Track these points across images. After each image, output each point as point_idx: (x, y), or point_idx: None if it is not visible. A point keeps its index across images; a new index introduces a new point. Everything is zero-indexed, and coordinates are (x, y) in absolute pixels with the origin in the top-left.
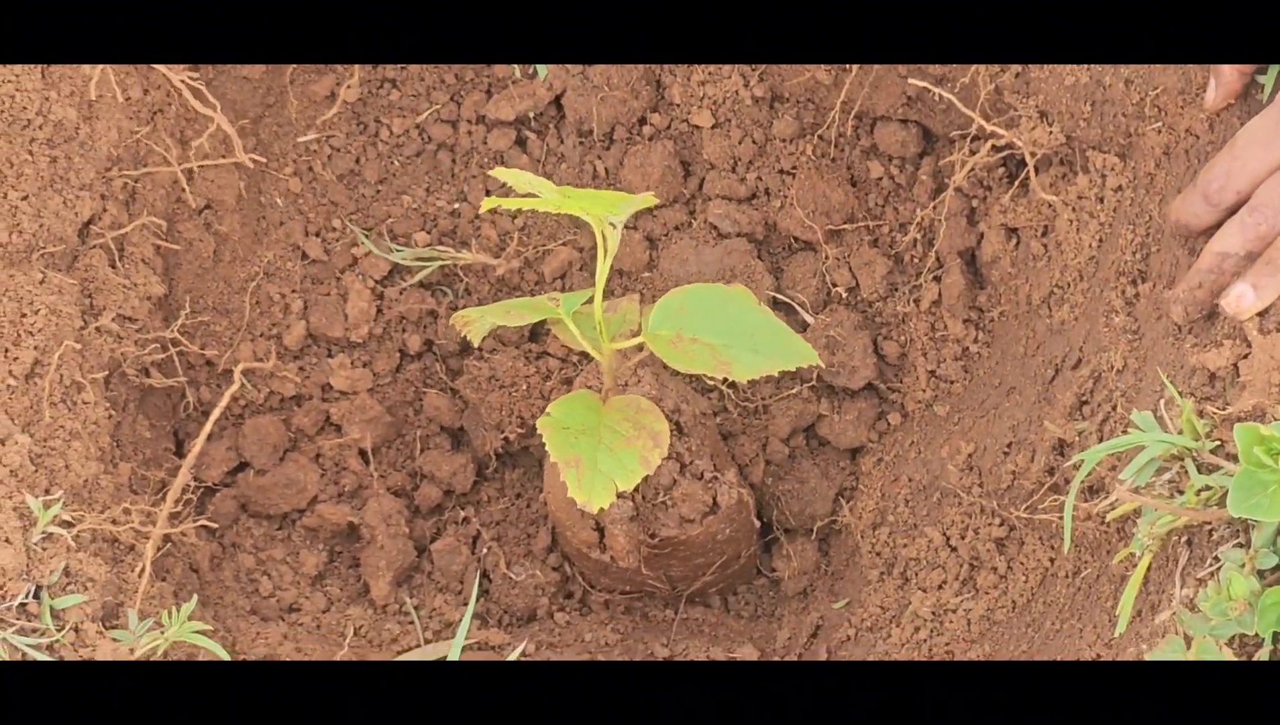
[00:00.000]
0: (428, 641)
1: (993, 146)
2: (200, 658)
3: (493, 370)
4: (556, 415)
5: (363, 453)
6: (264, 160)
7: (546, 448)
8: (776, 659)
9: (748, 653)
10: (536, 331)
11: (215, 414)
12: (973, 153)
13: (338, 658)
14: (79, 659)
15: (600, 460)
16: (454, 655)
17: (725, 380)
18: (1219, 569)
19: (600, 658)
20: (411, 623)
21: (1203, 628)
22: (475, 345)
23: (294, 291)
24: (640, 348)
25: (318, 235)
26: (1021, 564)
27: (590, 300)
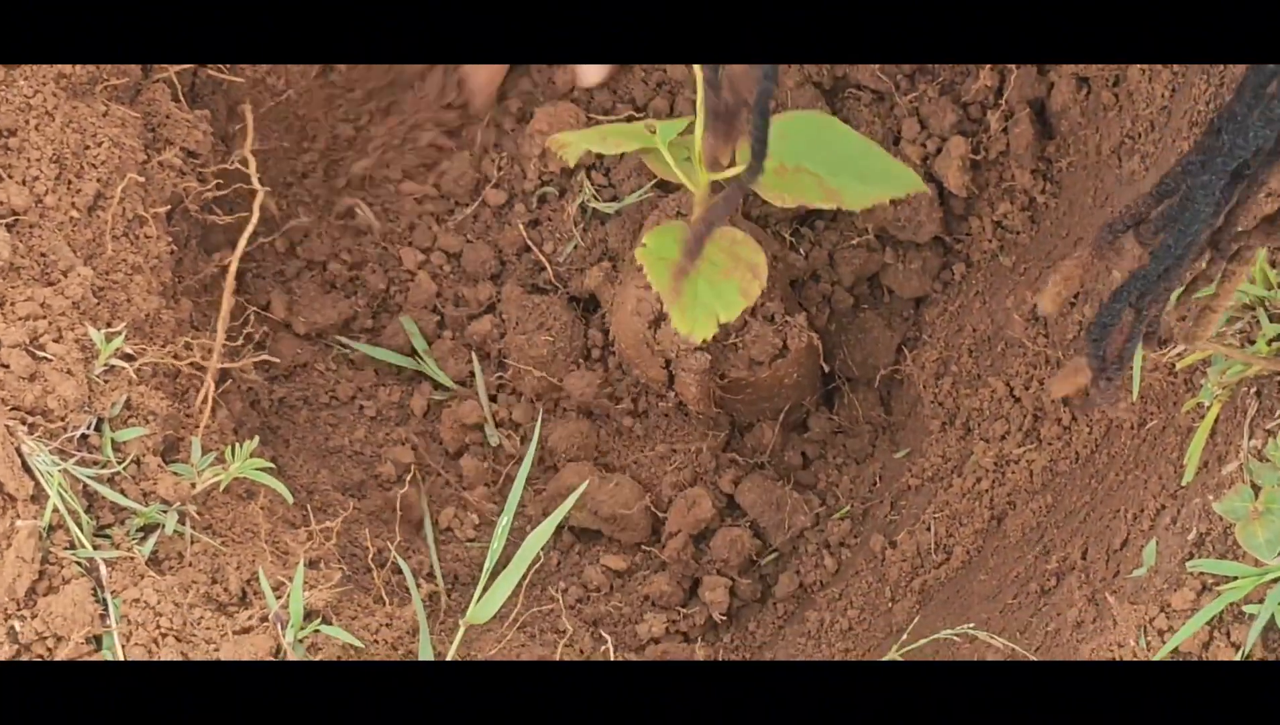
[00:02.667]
0: None
1: None
2: (261, 498)
3: None
4: (653, 246)
5: None
6: None
7: (647, 277)
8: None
9: (801, 502)
10: None
11: (245, 234)
12: None
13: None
14: (67, 660)
15: (700, 291)
16: None
17: (796, 220)
18: None
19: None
20: None
21: (1272, 477)
22: (570, 166)
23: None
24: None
25: None
26: (1086, 415)
27: (689, 129)
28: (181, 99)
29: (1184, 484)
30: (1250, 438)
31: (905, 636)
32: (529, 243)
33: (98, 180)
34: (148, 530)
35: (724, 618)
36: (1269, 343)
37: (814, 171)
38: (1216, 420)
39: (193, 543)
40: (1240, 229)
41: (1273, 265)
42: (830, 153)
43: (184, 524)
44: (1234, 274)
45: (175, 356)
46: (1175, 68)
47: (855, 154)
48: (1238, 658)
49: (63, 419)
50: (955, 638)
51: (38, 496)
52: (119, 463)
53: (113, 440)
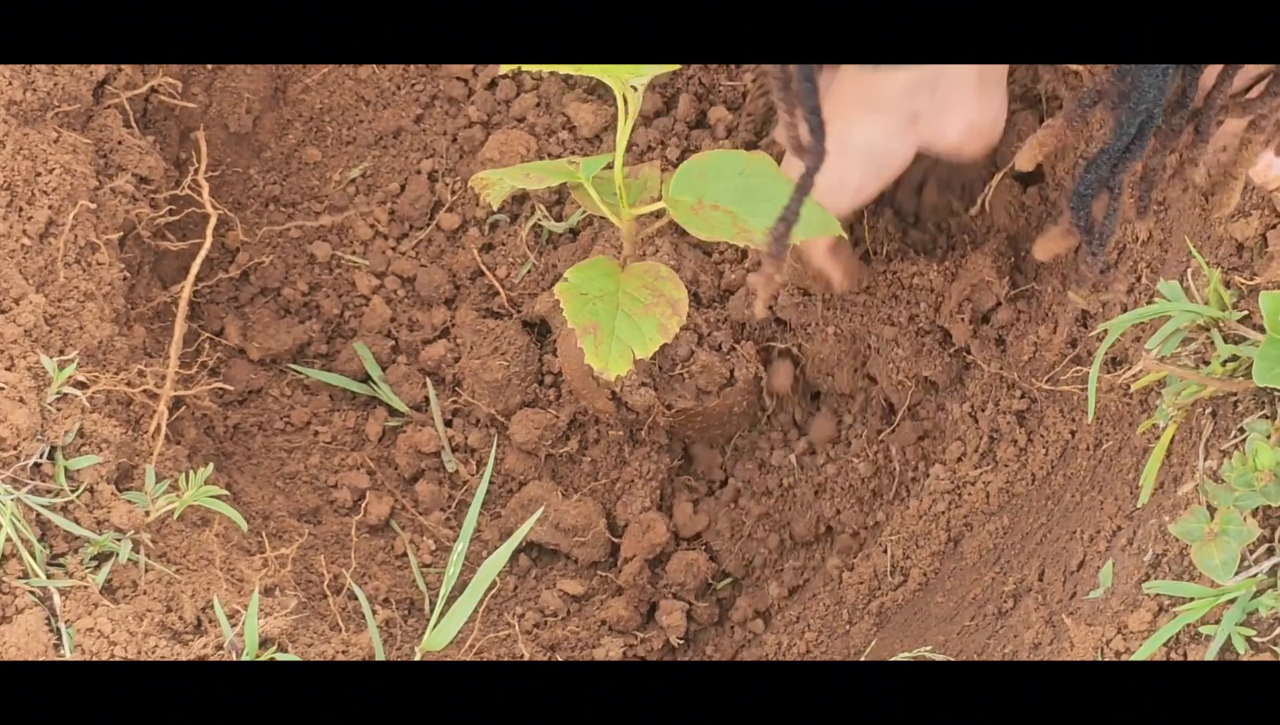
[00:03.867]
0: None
1: None
2: (216, 525)
3: None
4: (574, 281)
5: None
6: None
7: (564, 311)
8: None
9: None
10: None
11: (198, 259)
12: None
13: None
14: (82, 659)
15: (619, 327)
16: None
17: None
18: (1244, 440)
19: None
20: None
21: (1227, 498)
22: (494, 208)
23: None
24: (660, 214)
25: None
26: (1042, 437)
27: (611, 165)
28: (134, 125)
29: (1140, 505)
30: (1205, 459)
31: (863, 659)
32: (482, 267)
33: (49, 207)
34: (101, 559)
35: (681, 641)
36: (1223, 364)
37: (730, 209)
38: (1172, 441)
39: (147, 571)
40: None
41: (1227, 285)
42: (749, 192)
43: (138, 552)
44: (1250, 142)
45: (128, 384)
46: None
47: (775, 194)
48: None
49: (15, 448)
50: (912, 661)
51: None
52: (72, 491)
53: (66, 468)
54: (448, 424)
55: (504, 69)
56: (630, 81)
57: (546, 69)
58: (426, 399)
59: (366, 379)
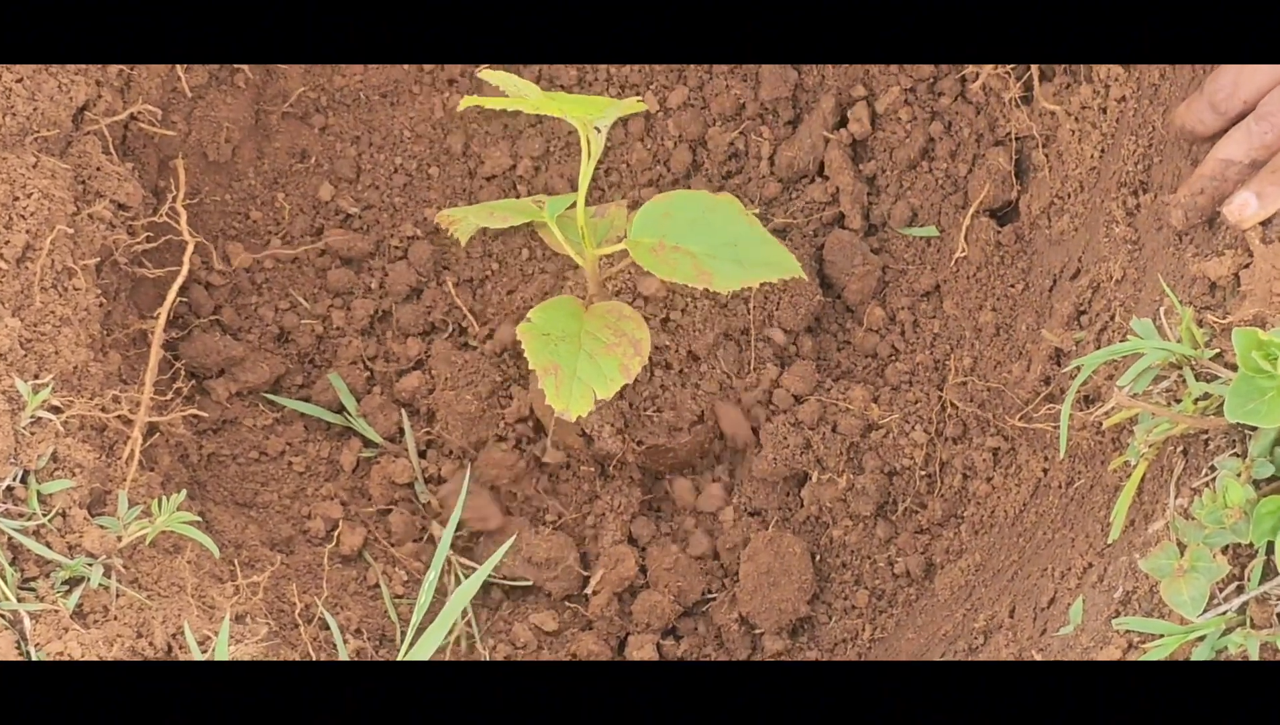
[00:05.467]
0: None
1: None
2: (188, 552)
3: None
4: (537, 321)
5: None
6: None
7: (525, 352)
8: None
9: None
10: None
11: (175, 286)
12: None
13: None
14: (59, 658)
15: (580, 367)
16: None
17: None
18: (1214, 478)
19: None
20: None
21: (1197, 535)
22: (463, 243)
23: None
24: (624, 254)
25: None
26: (1015, 474)
27: (574, 205)
28: (113, 151)
29: (1110, 542)
30: (1176, 496)
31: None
32: (456, 300)
33: (27, 231)
34: (73, 583)
35: None
36: (1195, 402)
37: (690, 251)
38: (1143, 479)
39: (118, 596)
40: None
41: (1199, 324)
42: (711, 234)
43: (109, 577)
44: None
45: (103, 409)
46: (1104, 129)
47: (736, 237)
48: None
49: None
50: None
51: None
52: (44, 515)
53: (38, 492)
54: (421, 455)
55: (462, 105)
56: (594, 122)
57: (508, 105)
58: (401, 430)
59: (341, 410)
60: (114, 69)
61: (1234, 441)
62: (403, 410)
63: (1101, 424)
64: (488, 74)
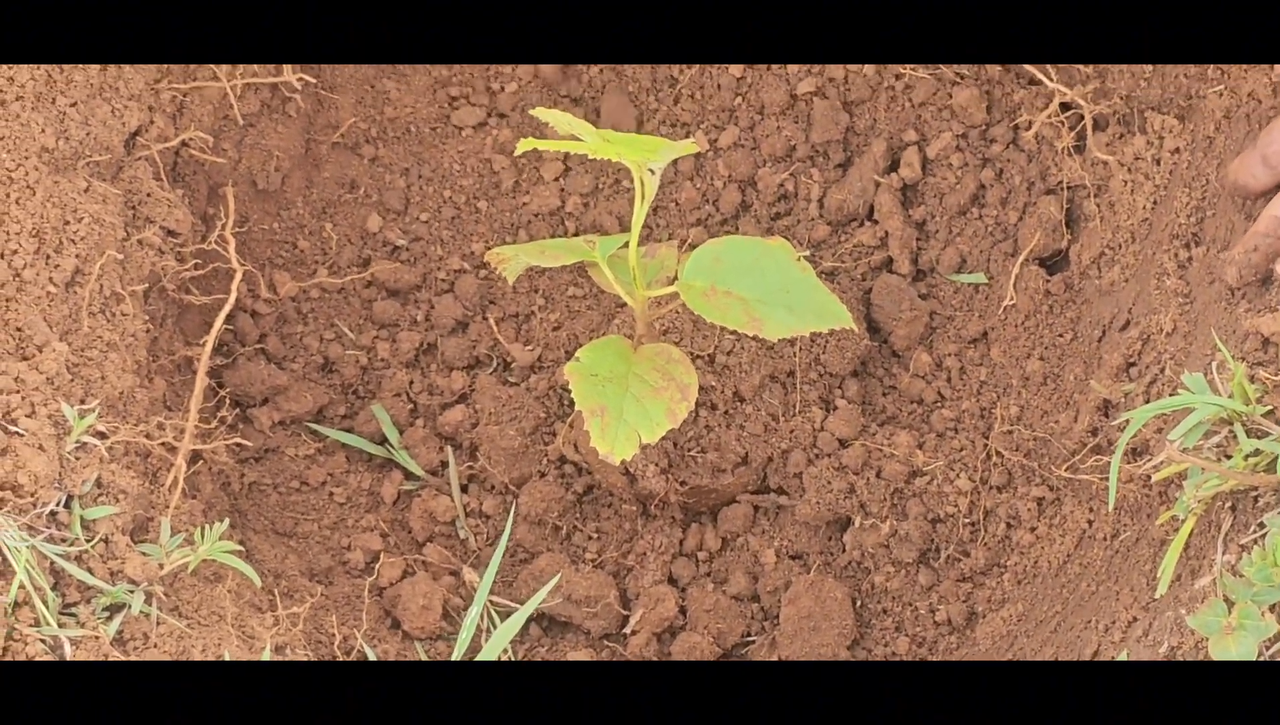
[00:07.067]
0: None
1: (1060, 105)
2: (229, 580)
3: None
4: (585, 361)
5: None
6: (314, 80)
7: (573, 393)
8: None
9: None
10: None
11: (222, 314)
12: (1040, 109)
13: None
14: (84, 659)
15: (627, 410)
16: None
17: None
18: (1264, 535)
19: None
20: None
21: (1245, 593)
22: (510, 282)
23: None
24: (674, 296)
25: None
26: (1060, 524)
27: (627, 245)
28: (164, 178)
29: (1157, 597)
30: (1224, 552)
31: None
32: (498, 336)
33: (76, 256)
34: (114, 610)
35: None
36: (1245, 458)
37: (742, 296)
38: (1191, 534)
39: (158, 624)
40: None
41: (1251, 380)
42: (763, 280)
43: (150, 604)
44: None
45: (147, 436)
46: (1157, 180)
47: (788, 283)
48: None
49: (32, 495)
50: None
51: (4, 572)
52: (87, 541)
53: (82, 518)
54: (463, 490)
55: (520, 148)
56: (649, 164)
57: (566, 147)
58: (443, 463)
59: (383, 441)
60: (167, 94)
61: None
62: (448, 445)
63: (1150, 477)
64: (542, 112)
